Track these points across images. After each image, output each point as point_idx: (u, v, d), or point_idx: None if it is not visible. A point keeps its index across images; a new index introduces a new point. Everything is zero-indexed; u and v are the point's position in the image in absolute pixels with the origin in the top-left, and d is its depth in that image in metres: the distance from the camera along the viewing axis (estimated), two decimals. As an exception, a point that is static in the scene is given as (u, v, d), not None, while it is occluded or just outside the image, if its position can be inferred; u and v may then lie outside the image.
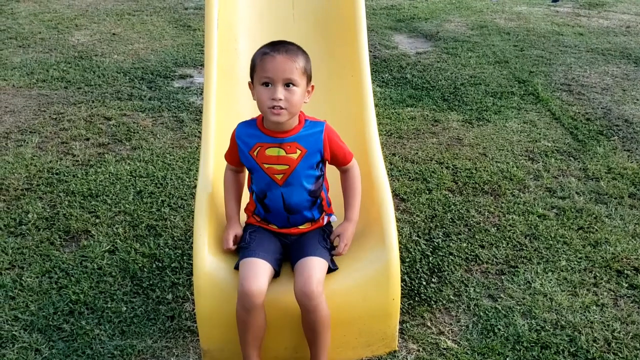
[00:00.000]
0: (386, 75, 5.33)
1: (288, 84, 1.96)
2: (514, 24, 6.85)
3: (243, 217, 2.26)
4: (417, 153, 3.89)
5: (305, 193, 2.10)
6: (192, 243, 2.66)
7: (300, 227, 2.17)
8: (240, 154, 2.11)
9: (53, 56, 5.52)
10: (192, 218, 2.89)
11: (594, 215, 3.22)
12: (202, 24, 6.82)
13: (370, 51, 6.00)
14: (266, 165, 2.06)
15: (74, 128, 4.12)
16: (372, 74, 5.20)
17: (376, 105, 4.65)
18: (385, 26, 6.87)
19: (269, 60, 1.95)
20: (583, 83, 5.09)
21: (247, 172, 2.20)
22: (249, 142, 2.08)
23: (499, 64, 5.56)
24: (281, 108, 1.95)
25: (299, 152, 2.05)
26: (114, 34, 6.27)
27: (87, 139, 3.98)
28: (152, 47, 5.90)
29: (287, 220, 2.14)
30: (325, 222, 2.23)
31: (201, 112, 4.04)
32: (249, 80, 2.07)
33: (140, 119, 4.32)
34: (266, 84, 1.96)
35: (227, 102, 2.73)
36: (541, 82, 5.07)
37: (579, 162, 3.81)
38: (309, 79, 2.04)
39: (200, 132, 3.97)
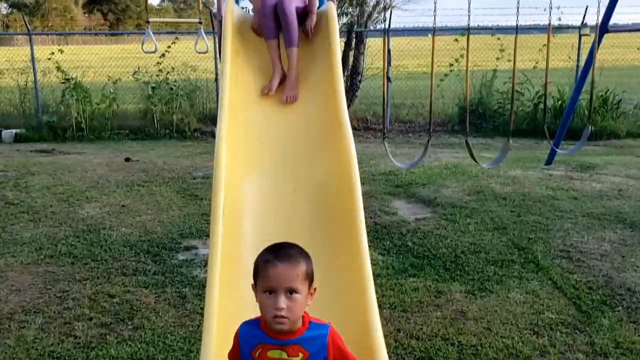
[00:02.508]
0: (387, 243, 5.42)
1: (290, 291, 2.01)
2: (510, 189, 7.09)
3: None
4: (421, 328, 3.86)
5: None
6: None
7: None
8: (242, 354, 2.11)
9: (62, 230, 5.68)
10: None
11: (606, 397, 3.12)
12: (209, 194, 7.10)
13: (370, 217, 6.21)
14: None
15: (78, 307, 4.14)
16: (373, 242, 5.35)
17: (379, 275, 4.72)
18: (384, 192, 7.11)
19: (272, 269, 2.01)
20: (582, 249, 5.16)
21: None
22: (251, 342, 2.09)
23: (497, 230, 5.68)
24: (284, 317, 1.99)
25: (301, 355, 2.04)
26: (123, 205, 6.49)
27: (90, 319, 3.98)
28: (159, 218, 6.08)
29: None
30: None
31: (204, 287, 4.09)
32: (252, 282, 2.12)
33: (144, 295, 4.35)
34: (269, 292, 2.02)
35: (229, 290, 2.77)
36: (540, 249, 5.15)
37: (585, 335, 3.76)
38: (310, 282, 2.09)
39: (202, 309, 3.99)
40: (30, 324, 3.90)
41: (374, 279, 2.73)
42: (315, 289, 2.12)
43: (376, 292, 2.64)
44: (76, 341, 3.70)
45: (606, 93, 11.78)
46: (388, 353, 2.41)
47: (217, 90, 11.35)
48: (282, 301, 1.98)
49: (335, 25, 4.02)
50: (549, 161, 8.28)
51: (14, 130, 11.47)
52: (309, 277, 2.07)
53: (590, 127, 7.03)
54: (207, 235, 5.52)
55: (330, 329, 2.11)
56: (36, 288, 4.44)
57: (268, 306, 2.00)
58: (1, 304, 4.19)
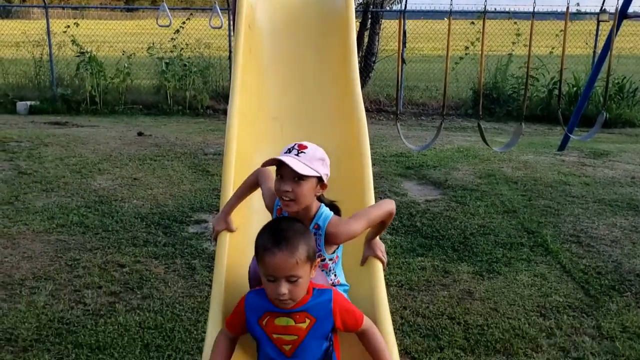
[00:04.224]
0: (396, 223, 5.42)
1: (291, 278, 2.02)
2: (521, 173, 7.05)
3: None
4: (428, 307, 3.87)
5: None
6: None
7: None
8: (247, 323, 2.13)
9: (74, 201, 5.72)
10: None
11: (610, 379, 3.13)
12: (220, 170, 7.11)
13: (380, 198, 6.15)
14: (275, 336, 2.08)
15: (88, 275, 4.19)
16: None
17: (386, 253, 4.72)
18: (395, 173, 7.09)
19: (271, 258, 2.00)
20: (592, 235, 5.14)
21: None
22: (258, 311, 2.11)
23: (507, 213, 5.66)
24: (286, 299, 2.01)
25: (308, 321, 2.07)
26: (135, 178, 6.53)
27: (100, 287, 4.02)
28: (170, 192, 6.11)
29: None
30: None
31: (213, 259, 4.13)
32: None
33: (153, 266, 4.39)
34: (270, 280, 2.02)
35: (237, 263, 2.78)
36: (550, 233, 5.13)
37: (592, 319, 3.76)
38: (312, 260, 2.08)
39: (210, 281, 4.03)
40: (41, 290, 3.95)
41: (382, 256, 2.72)
42: (318, 261, 2.14)
43: (383, 269, 2.64)
44: (85, 308, 3.74)
45: (622, 81, 11.65)
46: (394, 329, 2.42)
47: (230, 67, 11.32)
48: (284, 287, 2.00)
49: (352, 3, 4.00)
50: (562, 147, 8.23)
51: (28, 102, 11.54)
52: (310, 258, 2.06)
53: (604, 114, 6.96)
54: (218, 210, 5.52)
55: (333, 293, 2.13)
56: (47, 255, 4.49)
57: (270, 290, 2.03)
58: (13, 270, 4.24)
